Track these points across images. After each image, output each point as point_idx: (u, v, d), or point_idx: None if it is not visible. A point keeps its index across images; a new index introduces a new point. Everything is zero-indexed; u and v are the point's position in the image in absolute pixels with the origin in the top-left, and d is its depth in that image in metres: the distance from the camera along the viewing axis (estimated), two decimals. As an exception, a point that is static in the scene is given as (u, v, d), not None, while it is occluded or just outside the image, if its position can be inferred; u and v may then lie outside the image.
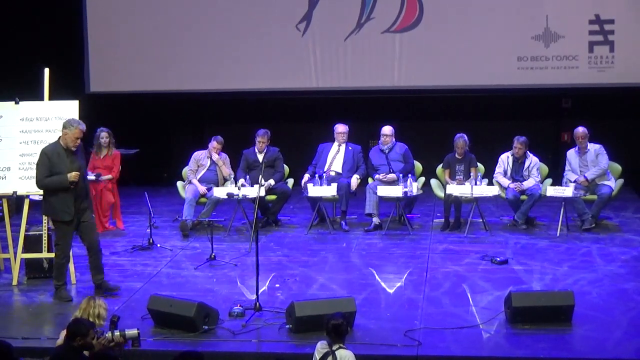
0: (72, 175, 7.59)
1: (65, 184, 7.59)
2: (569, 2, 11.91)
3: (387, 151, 10.43)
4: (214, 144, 10.45)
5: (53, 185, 7.62)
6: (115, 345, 5.76)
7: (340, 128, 10.56)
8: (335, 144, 10.57)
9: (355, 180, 10.34)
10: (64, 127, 7.63)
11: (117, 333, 5.78)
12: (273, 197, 10.27)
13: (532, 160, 10.19)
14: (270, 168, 10.30)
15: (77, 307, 6.09)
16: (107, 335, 5.74)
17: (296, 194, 10.89)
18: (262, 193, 9.67)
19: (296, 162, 11.13)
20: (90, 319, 5.75)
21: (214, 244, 8.92)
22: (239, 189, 9.85)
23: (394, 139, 10.49)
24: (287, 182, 10.59)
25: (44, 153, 7.63)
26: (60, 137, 7.67)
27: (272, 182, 10.20)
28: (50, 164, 7.58)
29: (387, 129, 10.49)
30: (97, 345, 5.66)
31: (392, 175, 10.22)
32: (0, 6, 12.61)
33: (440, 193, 10.32)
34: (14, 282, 8.26)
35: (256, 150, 10.46)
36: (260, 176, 8.46)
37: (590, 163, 10.09)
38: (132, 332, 5.88)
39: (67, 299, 7.78)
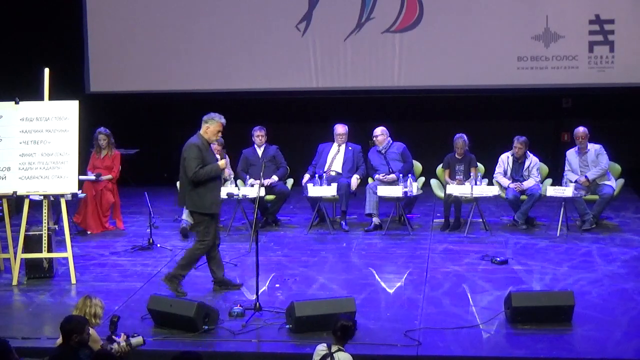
0: (222, 163, 7.74)
1: (219, 172, 7.70)
2: (569, 2, 11.92)
3: (384, 151, 10.42)
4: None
5: (207, 175, 7.58)
6: (122, 355, 5.76)
7: (340, 129, 10.55)
8: (335, 144, 10.57)
9: (355, 180, 10.34)
10: (205, 122, 7.74)
11: (123, 344, 5.79)
12: (271, 197, 10.27)
13: (532, 160, 10.19)
14: (271, 164, 10.33)
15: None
16: (114, 347, 5.75)
17: (296, 194, 10.90)
18: (262, 193, 9.68)
19: (296, 162, 11.12)
20: (87, 318, 5.75)
21: (214, 244, 8.92)
22: (237, 187, 9.89)
23: (389, 139, 10.47)
24: (286, 182, 10.59)
25: (196, 145, 7.63)
26: (200, 131, 7.74)
27: (275, 177, 10.22)
28: (202, 156, 7.62)
29: (377, 130, 10.48)
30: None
31: (392, 176, 10.22)
32: (0, 6, 12.61)
33: (440, 193, 10.32)
34: (14, 282, 8.26)
35: (256, 147, 10.50)
36: (261, 174, 8.47)
37: (591, 163, 10.09)
38: (136, 340, 5.90)
39: (182, 293, 7.71)
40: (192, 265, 7.87)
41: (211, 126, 7.71)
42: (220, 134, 7.79)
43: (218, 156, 10.36)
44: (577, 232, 9.79)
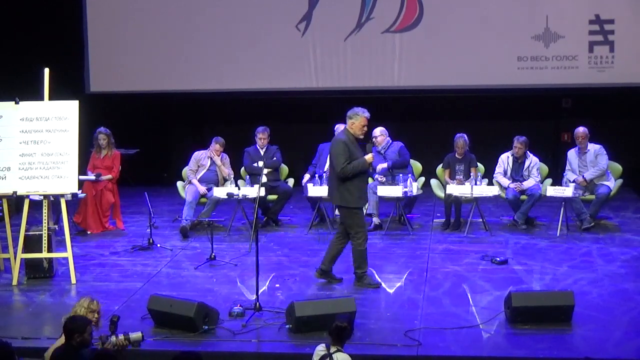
0: (370, 157, 7.81)
1: (366, 166, 7.80)
2: (569, 2, 11.91)
3: (383, 152, 10.42)
4: (216, 147, 10.45)
5: (355, 170, 7.70)
6: (120, 349, 5.75)
7: (342, 128, 10.54)
8: (336, 144, 10.56)
9: (355, 180, 10.32)
10: (349, 117, 7.87)
11: (121, 337, 5.78)
12: (274, 196, 10.27)
13: (532, 160, 10.19)
14: (275, 172, 10.38)
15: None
16: (112, 339, 5.74)
17: (296, 194, 10.89)
18: (263, 193, 9.68)
19: (296, 162, 11.13)
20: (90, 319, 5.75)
21: (214, 244, 8.92)
22: (237, 187, 9.89)
23: (388, 139, 10.47)
24: (287, 182, 10.60)
25: (342, 141, 7.77)
26: (346, 127, 7.88)
27: (260, 163, 10.18)
28: (349, 151, 7.71)
29: (376, 130, 10.48)
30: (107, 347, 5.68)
31: (383, 165, 10.20)
32: (0, 6, 12.61)
33: (440, 193, 10.32)
34: (14, 282, 8.26)
35: (258, 148, 10.51)
36: (262, 173, 8.47)
37: (590, 163, 10.09)
38: (136, 335, 5.88)
39: (375, 284, 7.91)
40: (365, 259, 7.96)
41: (356, 121, 7.82)
42: (365, 128, 7.87)
43: (217, 157, 10.46)
44: (577, 232, 9.79)
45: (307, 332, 6.69)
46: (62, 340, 5.74)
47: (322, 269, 8.06)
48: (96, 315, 5.96)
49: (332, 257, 8.03)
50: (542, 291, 7.60)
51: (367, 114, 7.85)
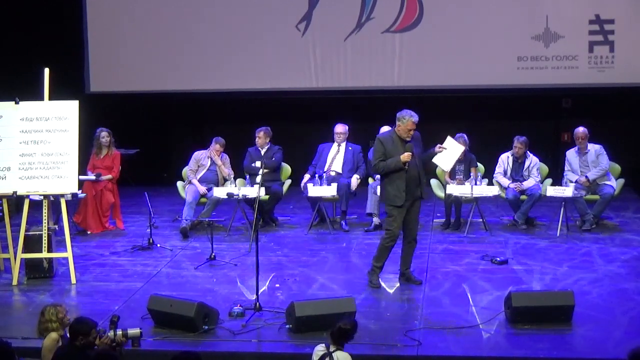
0: (405, 156, 7.78)
1: (399, 165, 7.78)
2: (569, 2, 11.91)
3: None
4: (216, 147, 10.44)
5: (386, 168, 7.80)
6: (117, 345, 5.75)
7: (339, 128, 10.56)
8: (335, 144, 10.58)
9: (355, 180, 10.34)
10: (398, 119, 7.91)
11: (119, 332, 5.76)
12: (265, 197, 10.25)
13: (532, 160, 10.19)
14: (273, 172, 10.37)
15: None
16: (109, 334, 5.72)
17: (296, 194, 10.89)
18: (262, 193, 9.68)
19: (296, 162, 11.13)
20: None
21: (214, 244, 8.93)
22: (237, 187, 9.89)
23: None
24: (283, 183, 10.57)
25: (379, 140, 7.92)
26: (394, 127, 7.95)
27: (258, 163, 10.18)
28: (384, 149, 7.81)
29: (384, 129, 10.48)
30: (100, 344, 5.65)
31: None
32: (0, 6, 12.61)
33: (440, 193, 10.32)
34: (14, 282, 8.26)
35: (258, 148, 10.52)
36: (261, 172, 8.46)
37: (591, 163, 10.09)
38: (134, 331, 5.86)
39: (375, 285, 7.95)
40: (384, 256, 7.98)
41: (402, 124, 7.88)
42: (412, 132, 7.91)
43: (217, 157, 10.46)
44: (577, 232, 9.79)
45: (307, 332, 6.68)
46: (52, 336, 5.75)
47: (401, 272, 8.11)
48: (66, 318, 5.92)
49: (405, 260, 8.08)
50: (542, 291, 7.60)
51: (415, 118, 7.87)
